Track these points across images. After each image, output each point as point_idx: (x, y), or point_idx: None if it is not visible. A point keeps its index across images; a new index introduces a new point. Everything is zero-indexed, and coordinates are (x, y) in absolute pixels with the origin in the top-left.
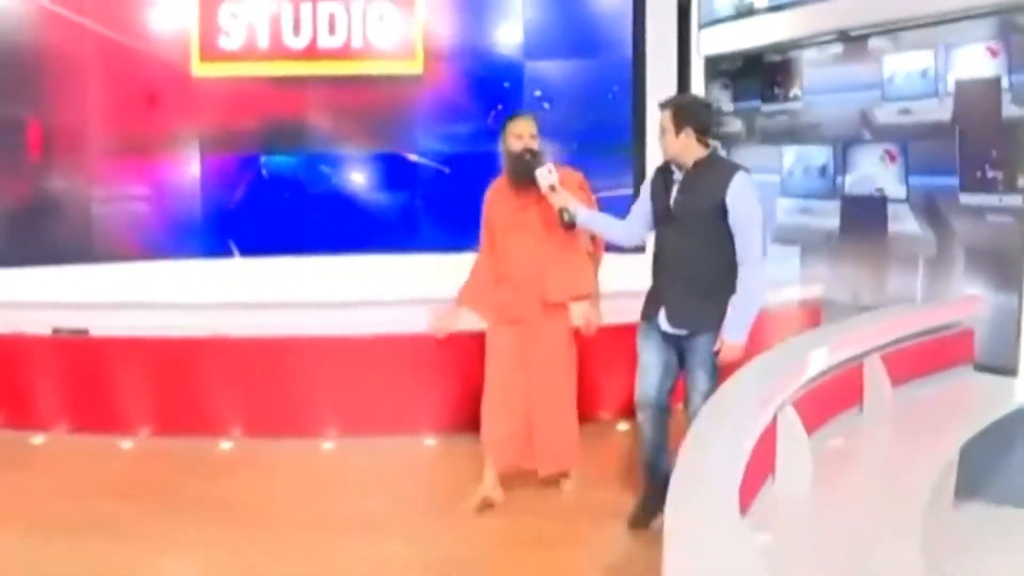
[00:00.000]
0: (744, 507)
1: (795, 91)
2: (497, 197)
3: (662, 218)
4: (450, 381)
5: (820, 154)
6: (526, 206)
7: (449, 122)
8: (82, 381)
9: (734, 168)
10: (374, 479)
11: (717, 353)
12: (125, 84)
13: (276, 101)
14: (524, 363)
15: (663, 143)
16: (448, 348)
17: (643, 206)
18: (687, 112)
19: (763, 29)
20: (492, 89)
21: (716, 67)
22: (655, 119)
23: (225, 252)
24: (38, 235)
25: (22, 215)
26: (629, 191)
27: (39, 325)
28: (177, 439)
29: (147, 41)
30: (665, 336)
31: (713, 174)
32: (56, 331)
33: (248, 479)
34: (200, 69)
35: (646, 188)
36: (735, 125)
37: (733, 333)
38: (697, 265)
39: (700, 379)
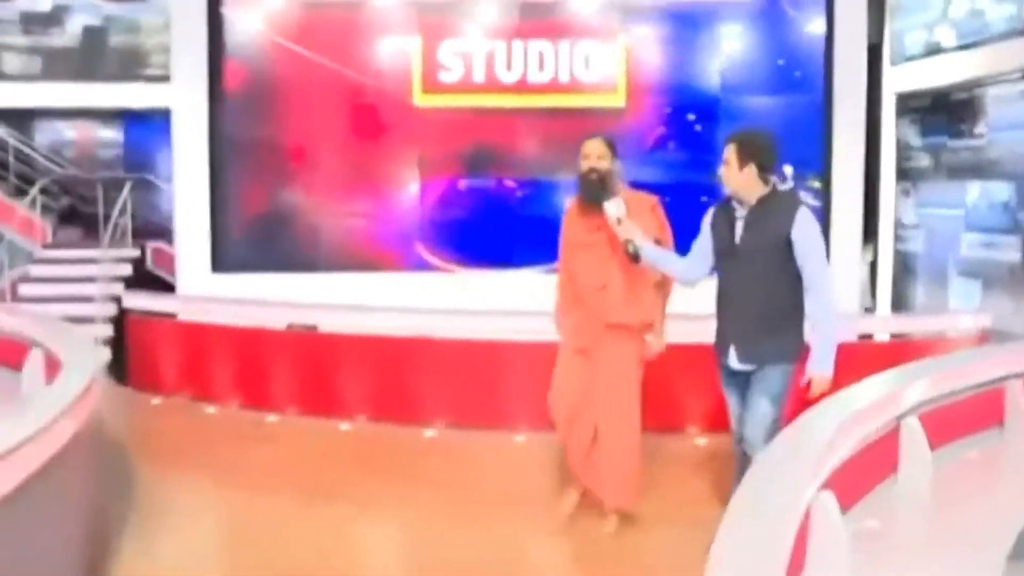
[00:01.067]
0: None
1: (980, 128)
2: (570, 217)
3: (726, 255)
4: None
5: (1003, 190)
6: (595, 227)
7: (648, 152)
8: (310, 370)
9: (797, 203)
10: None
11: (807, 387)
12: (355, 113)
13: (488, 130)
14: (589, 391)
15: (725, 176)
16: None
17: (704, 244)
18: (751, 147)
19: (951, 67)
20: (689, 122)
21: (905, 104)
22: (842, 154)
23: (439, 264)
24: (280, 245)
25: (268, 227)
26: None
27: (277, 321)
28: (388, 425)
29: (375, 75)
30: (735, 374)
31: (777, 210)
32: (290, 327)
33: (447, 462)
34: (421, 100)
35: (706, 226)
36: (923, 160)
37: (821, 365)
38: (763, 300)
39: (761, 405)
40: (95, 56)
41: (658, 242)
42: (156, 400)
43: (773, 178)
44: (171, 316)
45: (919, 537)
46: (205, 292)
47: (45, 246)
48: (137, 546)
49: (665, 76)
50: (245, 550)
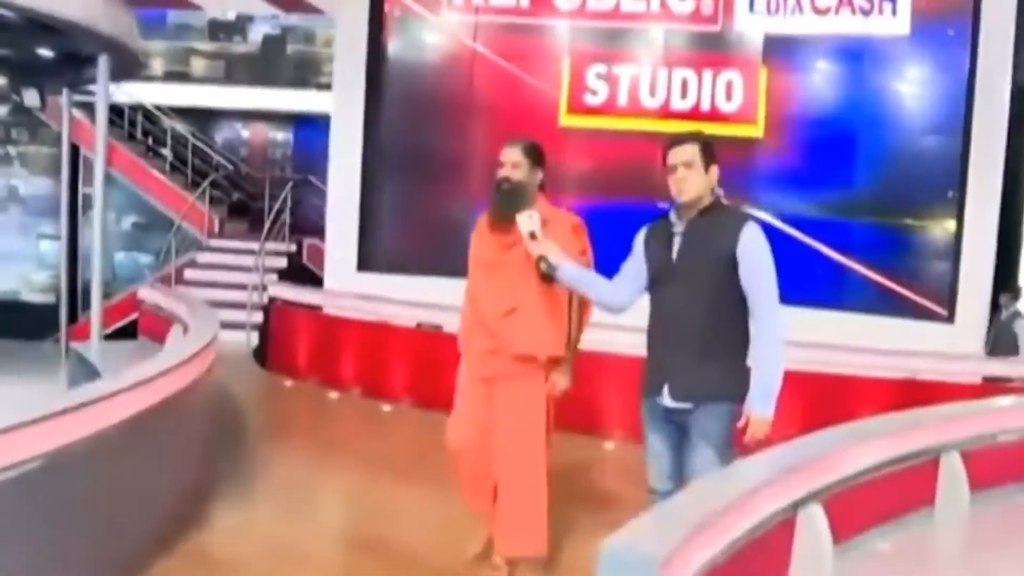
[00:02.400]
0: None
1: None
2: (479, 233)
3: (662, 275)
4: None
5: None
6: (506, 245)
7: (784, 183)
8: (430, 366)
9: (743, 216)
10: None
11: (744, 430)
12: (504, 126)
13: (629, 152)
14: (491, 425)
15: (685, 182)
16: None
17: (635, 265)
18: (712, 149)
19: None
20: (825, 155)
21: None
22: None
23: None
24: (424, 249)
25: (413, 231)
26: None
27: (407, 319)
28: None
29: (526, 91)
30: (668, 413)
31: (721, 223)
32: (419, 326)
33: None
34: (566, 120)
35: (639, 244)
36: None
37: (761, 405)
38: (703, 327)
39: (704, 456)
40: (273, 63)
41: None
42: (289, 383)
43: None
44: (315, 308)
45: None
46: (349, 288)
47: (212, 236)
48: (236, 498)
49: (804, 109)
50: (328, 520)
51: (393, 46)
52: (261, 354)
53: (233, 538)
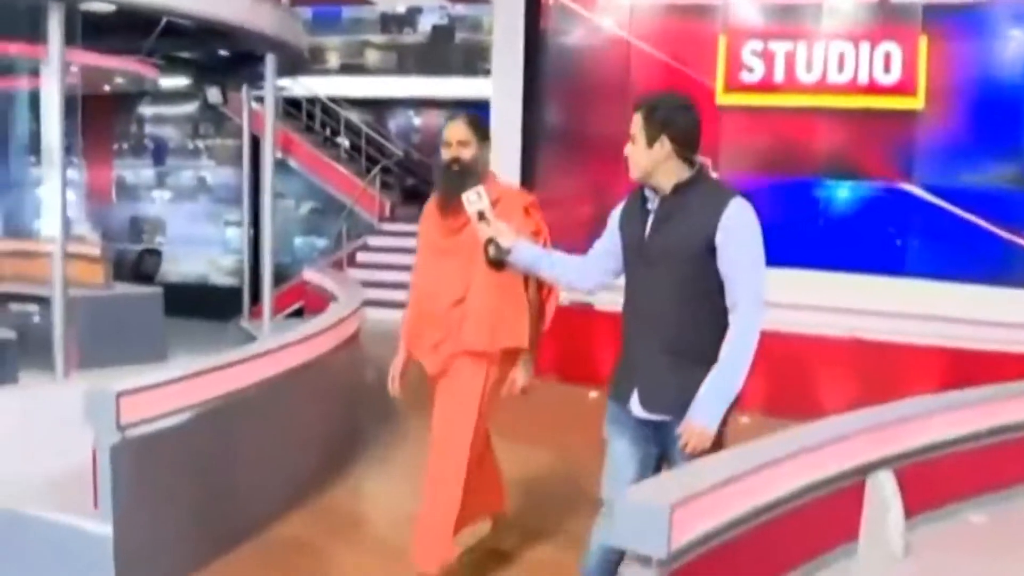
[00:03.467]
0: None
1: None
2: (427, 217)
3: (633, 260)
4: None
5: None
6: (456, 229)
7: (948, 157)
8: (579, 342)
9: (728, 194)
10: None
11: (686, 445)
12: None
13: (787, 129)
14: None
15: (631, 155)
16: None
17: (608, 242)
18: (665, 115)
19: None
20: (991, 126)
21: None
22: None
23: None
24: (584, 233)
25: (572, 216)
26: None
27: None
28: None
29: (682, 71)
30: (640, 424)
31: (700, 202)
32: (570, 304)
33: None
34: (723, 99)
35: (613, 219)
36: None
37: (703, 414)
38: (678, 323)
39: None
40: (442, 52)
41: None
42: None
43: (699, 160)
44: None
45: None
46: None
47: (383, 219)
48: (375, 463)
49: (968, 79)
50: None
51: (550, 32)
52: None
53: (361, 500)
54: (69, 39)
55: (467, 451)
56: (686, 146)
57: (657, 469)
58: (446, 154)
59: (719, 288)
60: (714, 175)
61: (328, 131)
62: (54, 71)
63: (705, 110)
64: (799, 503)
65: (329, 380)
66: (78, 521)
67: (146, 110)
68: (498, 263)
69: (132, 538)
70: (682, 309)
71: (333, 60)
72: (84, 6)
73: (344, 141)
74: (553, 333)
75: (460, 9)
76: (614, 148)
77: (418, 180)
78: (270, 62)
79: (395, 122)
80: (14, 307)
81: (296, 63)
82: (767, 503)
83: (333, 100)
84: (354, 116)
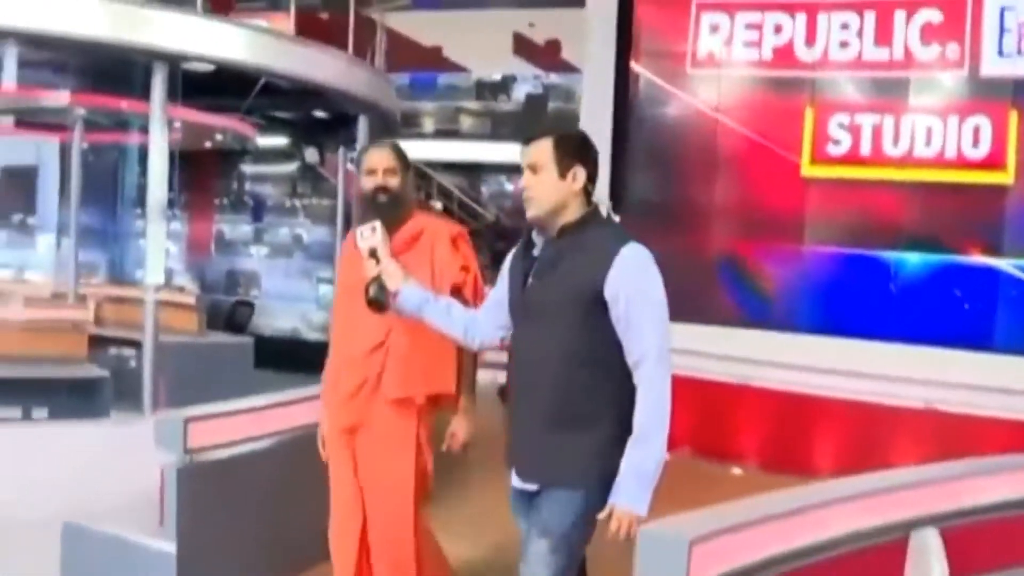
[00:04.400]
0: None
1: None
2: (347, 253)
3: (514, 313)
4: None
5: None
6: None
7: None
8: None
9: (620, 238)
10: None
11: (607, 520)
12: (747, 177)
13: (873, 202)
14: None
15: (530, 190)
16: None
17: (499, 292)
18: (579, 144)
19: None
20: None
21: None
22: None
23: (817, 328)
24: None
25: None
26: None
27: None
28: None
29: (768, 142)
30: (520, 496)
31: (589, 247)
32: None
33: None
34: (808, 170)
35: (504, 269)
36: None
37: (629, 495)
38: (554, 384)
39: (537, 548)
40: (535, 120)
41: (457, 288)
42: None
43: (596, 201)
44: None
45: None
46: None
47: None
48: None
49: None
50: None
51: (638, 104)
52: (505, 389)
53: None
54: (172, 96)
55: (410, 516)
56: (592, 181)
57: None
58: (370, 183)
59: (611, 347)
60: (615, 218)
61: (422, 194)
62: (157, 127)
63: (789, 184)
64: (835, 553)
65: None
66: (144, 538)
67: (247, 168)
68: (378, 305)
69: (193, 556)
70: (564, 370)
71: (428, 125)
72: (186, 65)
73: (437, 204)
74: (691, 405)
75: (554, 78)
76: (699, 219)
77: (508, 244)
78: (362, 124)
79: (487, 187)
80: (112, 350)
81: (389, 126)
82: (798, 549)
83: (427, 164)
84: (447, 180)
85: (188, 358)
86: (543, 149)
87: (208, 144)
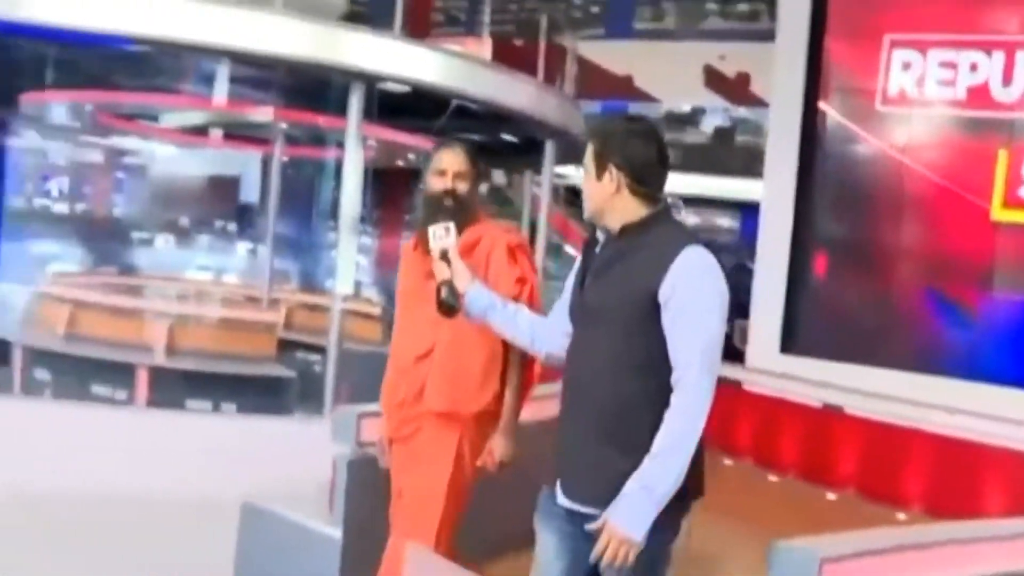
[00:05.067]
0: None
1: None
2: (407, 256)
3: (573, 317)
4: None
5: None
6: (430, 271)
7: None
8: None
9: (682, 240)
10: None
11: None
12: (936, 219)
13: None
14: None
15: (584, 191)
16: None
17: (566, 297)
18: (614, 143)
19: None
20: None
21: None
22: None
23: (1003, 376)
24: (843, 337)
25: (835, 319)
26: None
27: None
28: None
29: (956, 185)
30: (570, 516)
31: (649, 249)
32: (824, 406)
33: None
34: (999, 214)
35: (572, 273)
36: None
37: (621, 514)
38: (610, 399)
39: None
40: (722, 153)
41: (513, 301)
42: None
43: (664, 199)
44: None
45: None
46: (771, 369)
47: None
48: None
49: None
50: None
51: (825, 141)
52: None
53: None
54: (367, 115)
55: (431, 541)
56: (641, 180)
57: (594, 571)
58: (438, 184)
59: (663, 351)
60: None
61: None
62: (353, 143)
63: (979, 228)
64: None
65: None
66: (313, 522)
67: None
68: (449, 309)
69: (356, 541)
70: (615, 382)
71: None
72: (382, 85)
73: None
74: (860, 446)
75: (743, 112)
76: (883, 261)
77: None
78: (549, 149)
79: None
80: (299, 353)
81: (576, 152)
82: None
83: None
84: None
85: (369, 366)
86: (587, 151)
87: (400, 162)
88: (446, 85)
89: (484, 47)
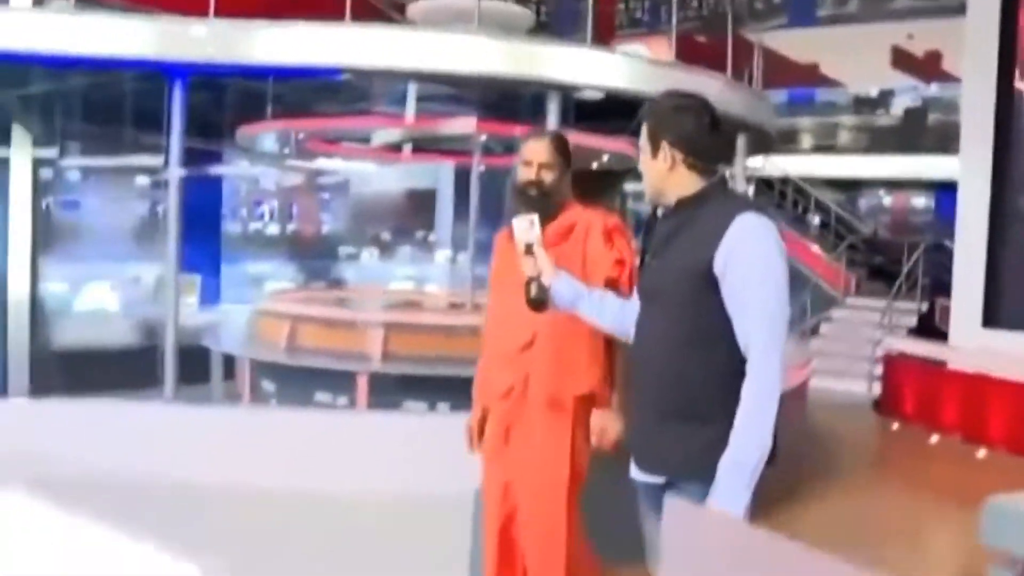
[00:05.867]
0: None
1: None
2: (500, 246)
3: (640, 295)
4: None
5: None
6: None
7: None
8: None
9: (737, 207)
10: None
11: None
12: None
13: None
14: (511, 495)
15: (643, 171)
16: None
17: None
18: (664, 119)
19: None
20: None
21: None
22: None
23: None
24: None
25: None
26: None
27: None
28: None
29: None
30: (647, 491)
31: (704, 221)
32: None
33: None
34: None
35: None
36: None
37: (718, 494)
38: (667, 374)
39: None
40: (914, 133)
41: (612, 282)
42: (895, 426)
43: (722, 171)
44: (935, 362)
45: None
46: (974, 345)
47: (848, 294)
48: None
49: None
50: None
51: (1021, 114)
52: (879, 401)
53: None
54: (564, 121)
55: (563, 527)
56: (696, 153)
57: None
58: (524, 175)
59: (728, 330)
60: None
61: (800, 209)
62: None
63: None
64: None
65: None
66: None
67: (628, 187)
68: (539, 304)
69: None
70: (673, 357)
71: (806, 141)
72: (578, 94)
73: (814, 219)
74: (1003, 405)
75: (934, 89)
76: None
77: (885, 259)
78: (740, 142)
79: (865, 201)
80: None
81: (766, 143)
82: None
83: (805, 179)
84: (825, 195)
85: None
86: (643, 130)
87: (595, 165)
88: (637, 88)
89: (670, 47)
